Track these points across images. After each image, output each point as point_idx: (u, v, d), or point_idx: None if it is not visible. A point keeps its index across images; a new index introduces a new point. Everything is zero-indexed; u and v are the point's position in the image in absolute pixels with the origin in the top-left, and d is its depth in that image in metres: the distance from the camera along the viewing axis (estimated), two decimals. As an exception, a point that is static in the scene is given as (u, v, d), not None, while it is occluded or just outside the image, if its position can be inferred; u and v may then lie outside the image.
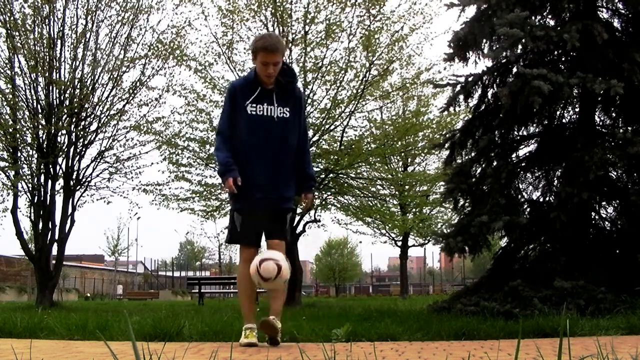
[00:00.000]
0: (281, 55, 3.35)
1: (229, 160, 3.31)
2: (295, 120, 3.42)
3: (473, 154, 6.24)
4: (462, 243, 5.54)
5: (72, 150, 10.35)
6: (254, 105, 3.33)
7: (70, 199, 10.32)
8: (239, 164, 3.31)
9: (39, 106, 10.07)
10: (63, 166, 10.31)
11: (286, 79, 3.42)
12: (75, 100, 10.06)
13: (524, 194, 6.33)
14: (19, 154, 10.09)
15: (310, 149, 6.92)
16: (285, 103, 3.39)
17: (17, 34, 9.72)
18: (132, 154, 11.01)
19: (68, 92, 10.12)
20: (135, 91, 10.77)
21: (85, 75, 10.27)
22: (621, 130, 5.69)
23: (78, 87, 10.18)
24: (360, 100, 11.18)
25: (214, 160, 11.39)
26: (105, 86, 10.49)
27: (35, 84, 10.03)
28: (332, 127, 10.91)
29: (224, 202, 11.99)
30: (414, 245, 24.66)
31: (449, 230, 6.19)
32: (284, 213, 3.45)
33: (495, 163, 6.10)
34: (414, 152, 15.60)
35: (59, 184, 10.33)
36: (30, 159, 10.23)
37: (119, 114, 10.71)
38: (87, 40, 10.23)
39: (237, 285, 3.55)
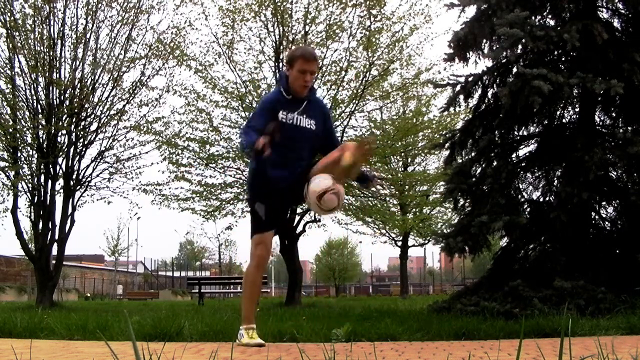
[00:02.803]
0: (317, 65, 3.55)
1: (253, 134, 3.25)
2: (320, 131, 3.51)
3: (473, 154, 6.24)
4: (462, 243, 5.54)
5: (72, 150, 10.35)
6: (285, 113, 3.42)
7: (70, 199, 10.32)
8: (269, 164, 3.35)
9: (39, 106, 10.07)
10: (63, 166, 10.30)
11: (312, 93, 3.55)
12: (75, 100, 10.06)
13: (524, 194, 6.33)
14: (19, 154, 10.08)
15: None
16: (313, 116, 3.48)
17: (17, 34, 9.72)
18: (132, 154, 11.02)
19: (68, 92, 10.12)
20: (135, 91, 10.77)
21: (86, 75, 10.27)
22: (621, 130, 5.69)
23: (78, 87, 10.17)
24: (361, 100, 11.19)
25: (214, 161, 11.41)
26: (105, 86, 10.50)
27: (35, 84, 10.03)
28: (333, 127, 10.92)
29: (224, 202, 12.01)
30: (414, 245, 24.66)
31: (449, 230, 6.19)
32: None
33: (495, 163, 6.10)
34: (414, 152, 15.62)
35: (59, 184, 10.33)
36: (30, 159, 10.22)
37: (119, 114, 10.70)
38: (87, 40, 10.22)
39: (243, 285, 3.49)
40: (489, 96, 6.28)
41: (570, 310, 4.49)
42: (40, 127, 9.87)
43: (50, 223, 10.13)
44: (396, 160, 18.64)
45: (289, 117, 3.40)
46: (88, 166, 10.61)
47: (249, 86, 10.97)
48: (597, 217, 6.01)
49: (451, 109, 6.27)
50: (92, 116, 10.48)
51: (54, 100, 10.06)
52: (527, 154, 6.31)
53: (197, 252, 50.38)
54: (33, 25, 9.78)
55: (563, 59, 6.09)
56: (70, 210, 10.32)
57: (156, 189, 11.52)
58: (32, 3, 9.67)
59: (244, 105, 11.06)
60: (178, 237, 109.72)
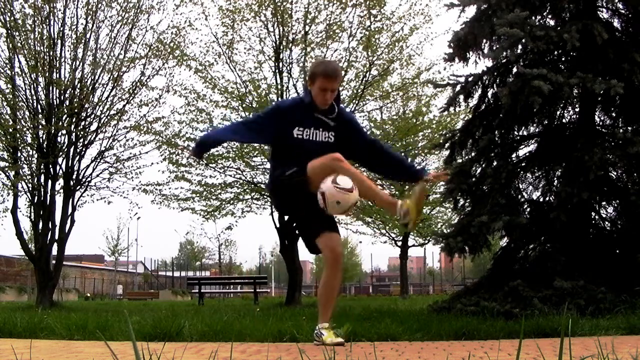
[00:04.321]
0: (339, 82, 3.48)
1: (209, 134, 3.69)
2: (340, 143, 3.48)
3: (473, 154, 6.23)
4: (462, 243, 5.54)
5: (72, 150, 10.35)
6: (301, 129, 3.41)
7: (70, 199, 10.32)
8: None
9: (39, 106, 10.07)
10: (63, 166, 10.31)
11: (337, 103, 3.53)
12: (75, 100, 10.06)
13: (524, 194, 6.33)
14: (19, 154, 10.08)
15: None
16: (334, 128, 3.49)
17: (17, 34, 9.72)
18: (132, 154, 11.03)
19: (68, 92, 10.12)
20: (135, 91, 10.77)
21: (86, 75, 10.27)
22: (621, 130, 5.68)
23: (78, 87, 10.17)
24: (361, 100, 11.20)
25: (214, 161, 11.42)
26: (105, 86, 10.50)
27: (35, 84, 10.03)
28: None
29: (224, 202, 12.01)
30: (414, 245, 24.62)
31: (449, 230, 6.18)
32: None
33: (495, 163, 6.10)
34: (414, 152, 15.63)
35: (59, 184, 10.33)
36: (30, 159, 10.23)
37: (119, 114, 10.70)
38: (87, 40, 10.23)
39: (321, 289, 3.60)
40: (489, 96, 6.28)
41: (570, 310, 4.49)
42: (40, 127, 9.87)
43: (50, 223, 10.13)
44: (396, 160, 18.61)
45: (306, 132, 3.40)
46: (88, 166, 10.63)
47: (249, 86, 10.97)
48: (597, 217, 6.01)
49: (451, 109, 6.27)
50: (92, 116, 10.48)
51: (54, 100, 10.06)
52: (527, 154, 6.31)
53: (197, 252, 50.40)
54: (33, 25, 9.78)
55: (563, 59, 6.09)
56: (70, 210, 10.33)
57: (156, 189, 11.54)
58: (32, 3, 9.67)
59: (244, 105, 11.07)
60: (178, 237, 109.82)
